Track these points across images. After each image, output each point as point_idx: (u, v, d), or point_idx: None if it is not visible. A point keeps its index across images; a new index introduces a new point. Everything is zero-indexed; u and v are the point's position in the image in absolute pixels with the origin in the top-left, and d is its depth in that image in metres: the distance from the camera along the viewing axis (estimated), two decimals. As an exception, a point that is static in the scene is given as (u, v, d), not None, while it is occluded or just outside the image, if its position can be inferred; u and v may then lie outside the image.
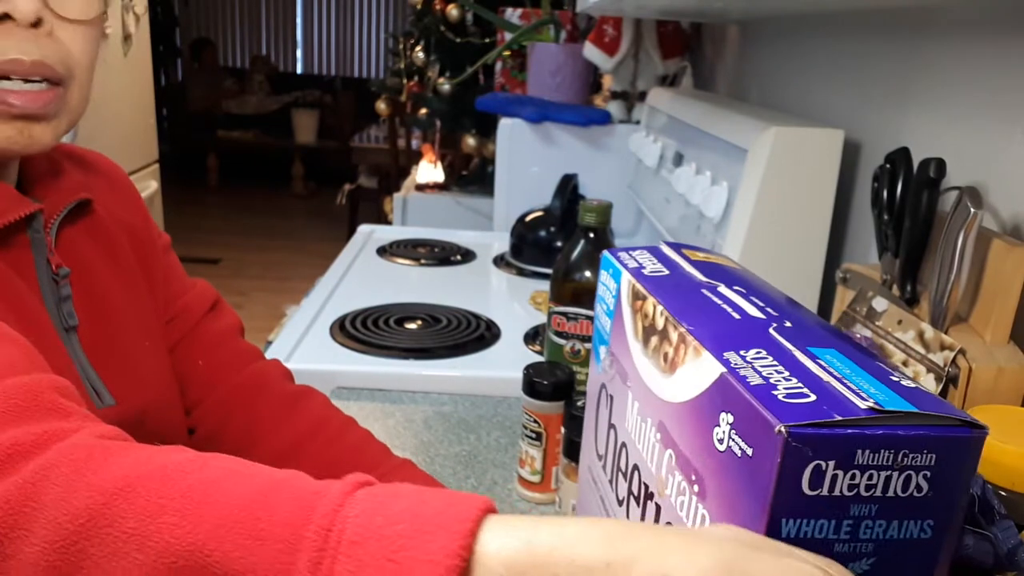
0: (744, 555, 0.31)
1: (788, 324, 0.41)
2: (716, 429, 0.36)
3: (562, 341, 0.90)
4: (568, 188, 1.57)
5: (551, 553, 0.32)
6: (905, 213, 0.74)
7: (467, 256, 1.65)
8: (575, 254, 0.89)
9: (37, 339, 0.55)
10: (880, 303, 0.74)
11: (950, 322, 0.68)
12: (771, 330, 0.40)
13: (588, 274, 0.88)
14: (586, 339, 0.89)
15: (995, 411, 0.54)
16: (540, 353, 1.13)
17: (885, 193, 0.77)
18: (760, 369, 0.36)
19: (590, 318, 0.87)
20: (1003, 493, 0.49)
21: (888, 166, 0.77)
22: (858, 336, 0.75)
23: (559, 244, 1.56)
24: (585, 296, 0.88)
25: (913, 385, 0.35)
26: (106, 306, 0.65)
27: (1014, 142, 0.74)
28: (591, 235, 0.89)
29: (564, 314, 0.89)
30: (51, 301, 0.60)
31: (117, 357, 0.64)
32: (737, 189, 1.01)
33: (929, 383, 0.65)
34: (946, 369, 0.64)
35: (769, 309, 0.43)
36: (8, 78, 0.56)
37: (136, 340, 0.67)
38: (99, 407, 0.61)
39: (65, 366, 0.59)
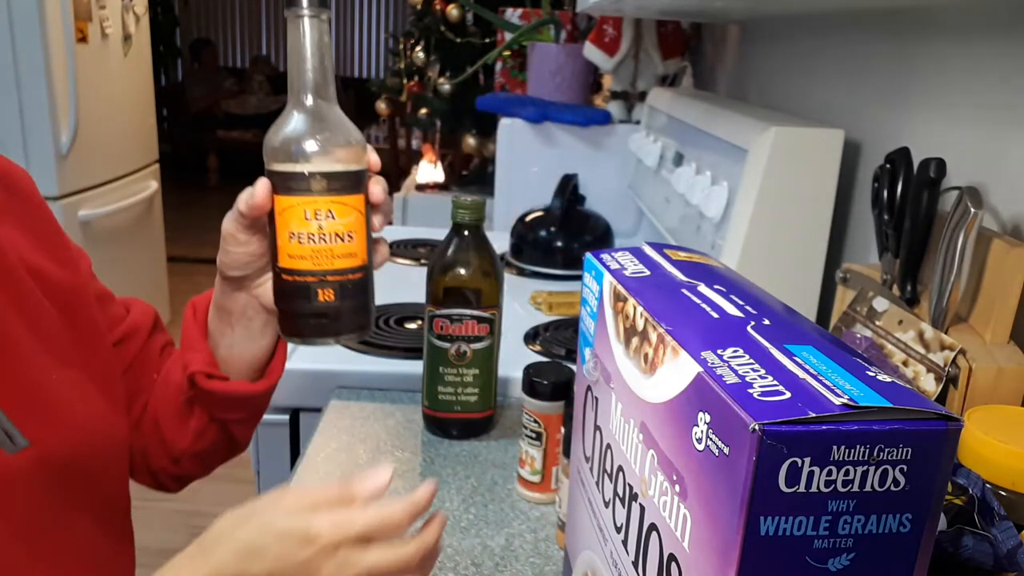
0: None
1: (767, 322, 0.41)
2: (694, 429, 0.36)
3: (445, 344, 0.89)
4: (568, 188, 1.57)
5: None
6: (905, 213, 0.74)
7: (467, 256, 1.64)
8: (450, 252, 0.90)
9: None
10: (880, 303, 0.74)
11: (950, 322, 0.68)
12: (749, 328, 0.40)
13: (463, 272, 0.89)
14: (472, 339, 0.89)
15: (995, 411, 0.54)
16: (540, 353, 1.13)
17: (885, 193, 0.77)
18: (736, 368, 0.36)
19: (475, 318, 0.88)
20: (1003, 493, 0.49)
21: (888, 166, 0.77)
22: (858, 336, 0.75)
23: (559, 244, 1.56)
24: (462, 296, 0.89)
25: (889, 380, 0.35)
26: (2, 340, 0.58)
27: (1014, 142, 0.74)
28: (465, 233, 0.89)
29: (447, 316, 0.89)
30: None
31: (25, 394, 0.58)
32: (737, 189, 1.01)
33: (929, 383, 0.65)
34: (946, 369, 0.64)
35: (748, 307, 0.43)
36: None
37: (46, 374, 0.61)
38: (11, 451, 0.55)
39: None
